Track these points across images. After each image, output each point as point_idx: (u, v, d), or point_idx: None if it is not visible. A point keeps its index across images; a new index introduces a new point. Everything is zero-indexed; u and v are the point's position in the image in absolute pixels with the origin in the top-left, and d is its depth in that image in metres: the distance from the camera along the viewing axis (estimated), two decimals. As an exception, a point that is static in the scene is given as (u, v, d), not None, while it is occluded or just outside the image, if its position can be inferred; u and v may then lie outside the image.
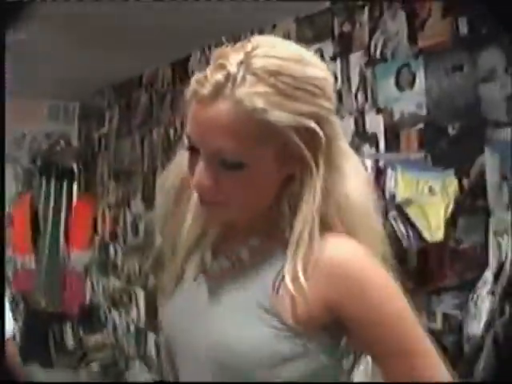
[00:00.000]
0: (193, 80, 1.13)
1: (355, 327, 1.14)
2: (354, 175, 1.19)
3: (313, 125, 1.10)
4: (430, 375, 1.14)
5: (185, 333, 1.26)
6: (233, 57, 1.09)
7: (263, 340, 1.12)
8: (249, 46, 1.10)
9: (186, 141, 1.15)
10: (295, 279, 1.11)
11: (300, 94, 1.09)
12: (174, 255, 1.34)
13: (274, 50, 1.10)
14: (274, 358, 1.12)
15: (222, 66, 1.08)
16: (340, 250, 1.13)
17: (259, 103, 1.06)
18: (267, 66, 1.07)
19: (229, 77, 1.07)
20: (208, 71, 1.11)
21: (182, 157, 1.25)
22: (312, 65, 1.13)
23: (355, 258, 1.13)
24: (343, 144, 1.19)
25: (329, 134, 1.14)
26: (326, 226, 1.14)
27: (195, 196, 1.22)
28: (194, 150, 1.15)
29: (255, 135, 1.08)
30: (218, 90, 1.07)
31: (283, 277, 1.13)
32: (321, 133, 1.12)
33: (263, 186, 1.15)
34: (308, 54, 1.15)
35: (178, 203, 1.32)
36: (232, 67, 1.07)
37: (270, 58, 1.08)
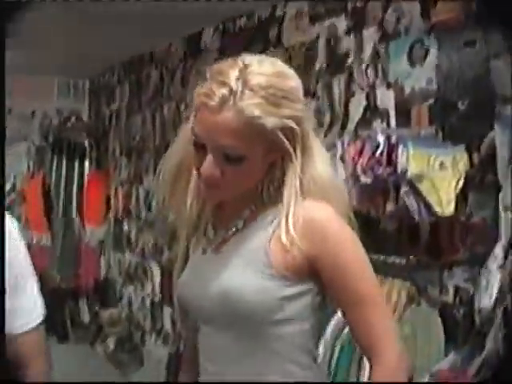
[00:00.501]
0: (199, 93, 1.45)
1: (326, 276, 1.48)
2: (321, 157, 1.56)
3: (293, 125, 1.47)
4: (377, 321, 1.45)
5: (197, 292, 1.57)
6: (231, 73, 1.43)
7: (263, 286, 1.47)
8: (240, 63, 1.44)
9: (193, 138, 1.48)
10: (288, 233, 1.46)
11: (284, 101, 1.45)
12: (179, 230, 1.70)
13: (262, 68, 1.45)
14: (273, 300, 1.47)
15: (224, 83, 1.41)
16: (318, 212, 1.48)
17: (256, 112, 1.41)
18: (260, 82, 1.42)
19: (231, 91, 1.41)
20: (212, 85, 1.43)
21: (179, 143, 1.61)
22: (289, 77, 1.49)
23: (329, 219, 1.48)
24: (311, 134, 1.55)
25: (302, 129, 1.50)
26: (305, 195, 1.51)
27: (194, 179, 1.58)
28: (200, 147, 1.47)
29: (252, 136, 1.44)
30: (224, 102, 1.41)
31: (277, 234, 1.48)
32: (298, 129, 1.48)
33: (255, 173, 1.52)
34: (286, 68, 1.51)
35: (176, 184, 1.63)
36: (233, 83, 1.41)
37: (261, 76, 1.43)
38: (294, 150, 1.50)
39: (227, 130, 1.42)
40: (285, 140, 1.47)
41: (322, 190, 1.52)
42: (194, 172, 1.56)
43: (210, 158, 1.45)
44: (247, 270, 1.49)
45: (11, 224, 1.91)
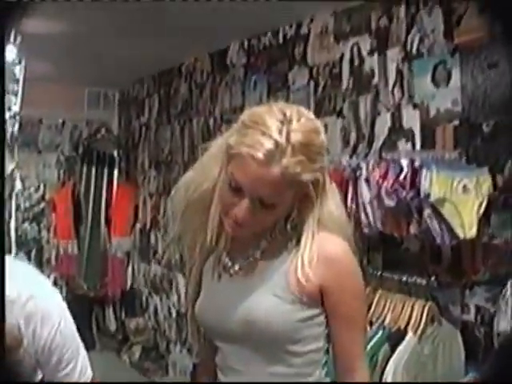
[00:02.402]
0: (241, 142, 1.55)
1: (329, 302, 1.65)
2: (334, 198, 1.71)
3: (321, 177, 1.63)
4: (359, 343, 1.69)
5: (220, 317, 1.70)
6: (271, 124, 1.55)
7: (285, 310, 1.63)
8: (278, 113, 1.57)
9: (232, 183, 1.58)
10: (303, 269, 1.62)
11: (318, 157, 1.60)
12: (193, 252, 1.81)
13: (301, 123, 1.57)
14: (293, 322, 1.63)
15: (267, 135, 1.53)
16: (331, 247, 1.65)
17: (298, 169, 1.55)
18: (301, 140, 1.55)
19: (277, 146, 1.52)
20: (255, 136, 1.54)
21: (202, 174, 1.70)
22: (321, 132, 1.63)
23: (341, 254, 1.65)
24: (327, 179, 1.68)
25: (324, 177, 1.66)
26: (319, 229, 1.67)
27: (214, 210, 1.68)
28: (236, 189, 1.58)
29: (288, 187, 1.58)
30: (270, 157, 1.52)
31: (294, 265, 1.64)
32: (321, 179, 1.64)
33: (281, 214, 1.67)
34: (318, 123, 1.64)
35: (195, 215, 1.74)
36: (276, 136, 1.53)
37: (301, 133, 1.56)
38: (316, 195, 1.65)
39: (271, 184, 1.54)
40: (311, 188, 1.62)
41: (333, 225, 1.69)
42: (215, 203, 1.68)
43: (246, 202, 1.58)
44: (269, 296, 1.64)
45: (59, 298, 1.86)
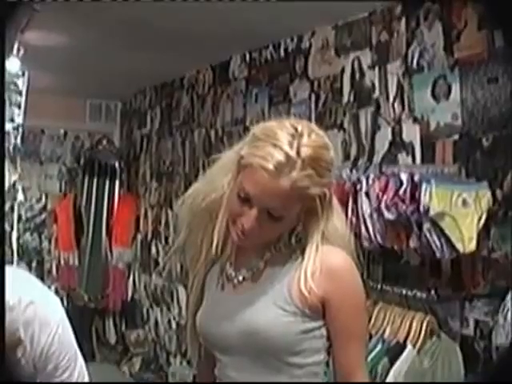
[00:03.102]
0: (252, 153, 1.59)
1: (331, 314, 1.66)
2: (338, 212, 1.75)
3: (328, 191, 1.67)
4: (360, 355, 1.70)
5: (222, 328, 1.72)
6: (282, 137, 1.59)
7: (287, 321, 1.64)
8: (290, 127, 1.62)
9: (241, 193, 1.62)
10: (306, 282, 1.64)
11: (326, 172, 1.64)
12: (197, 262, 1.82)
13: (313, 140, 1.62)
14: (295, 334, 1.64)
15: (279, 147, 1.57)
16: (335, 260, 1.67)
17: (306, 182, 1.59)
18: (311, 155, 1.59)
19: (288, 159, 1.56)
20: (266, 148, 1.58)
21: (214, 180, 1.73)
22: (330, 148, 1.67)
23: (344, 267, 1.68)
24: (332, 194, 1.72)
25: (331, 192, 1.70)
26: (323, 242, 1.69)
27: (221, 220, 1.71)
28: (245, 200, 1.62)
29: (296, 200, 1.62)
30: (281, 169, 1.56)
31: (297, 278, 1.66)
32: (328, 194, 1.68)
33: (288, 227, 1.70)
34: (327, 139, 1.68)
35: (201, 225, 1.77)
36: (287, 149, 1.57)
37: (312, 148, 1.60)
38: (322, 209, 1.68)
39: (279, 196, 1.58)
40: (318, 201, 1.66)
41: (337, 239, 1.72)
42: (222, 213, 1.71)
43: (254, 213, 1.61)
44: (271, 307, 1.66)
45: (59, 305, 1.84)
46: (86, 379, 1.86)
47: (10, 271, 1.73)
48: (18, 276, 1.80)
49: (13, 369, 1.71)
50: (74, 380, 1.81)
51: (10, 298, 1.66)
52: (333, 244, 1.70)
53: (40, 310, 1.74)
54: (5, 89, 3.58)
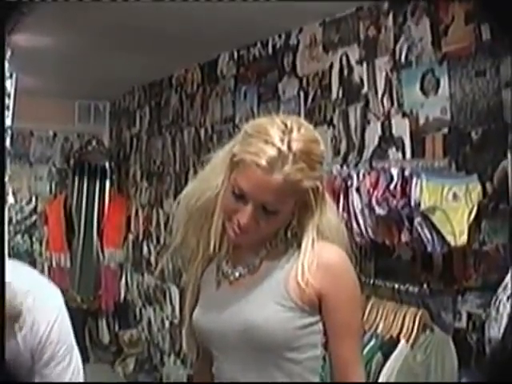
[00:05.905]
0: (245, 150, 1.63)
1: (327, 309, 1.68)
2: (331, 207, 1.80)
3: (320, 185, 1.70)
4: (356, 351, 1.73)
5: (219, 326, 1.73)
6: (273, 133, 1.63)
7: (285, 317, 1.66)
8: (280, 124, 1.65)
9: (235, 190, 1.65)
10: (303, 275, 1.66)
11: (317, 165, 1.67)
12: (194, 262, 1.84)
13: (303, 134, 1.65)
14: (293, 330, 1.66)
15: (270, 142, 1.61)
16: (330, 256, 1.70)
17: (299, 176, 1.62)
18: (302, 148, 1.63)
19: (280, 154, 1.60)
20: (259, 144, 1.62)
21: (205, 182, 1.75)
22: (321, 142, 1.71)
23: (339, 263, 1.71)
24: (324, 187, 1.75)
25: (323, 186, 1.73)
26: (318, 237, 1.72)
27: (217, 219, 1.73)
28: (239, 197, 1.64)
29: (290, 194, 1.65)
30: (273, 164, 1.59)
31: (294, 273, 1.68)
32: (321, 187, 1.71)
33: (282, 222, 1.72)
34: (317, 134, 1.72)
35: (197, 223, 1.78)
36: (279, 144, 1.61)
37: (303, 142, 1.64)
38: (315, 203, 1.71)
39: (273, 190, 1.61)
40: (311, 195, 1.69)
41: (331, 233, 1.75)
42: (217, 211, 1.73)
43: (249, 209, 1.64)
44: (269, 304, 1.68)
45: (58, 295, 1.88)
46: (81, 374, 1.87)
47: (8, 262, 1.75)
48: (16, 267, 1.83)
49: (12, 370, 1.72)
50: (69, 372, 1.83)
51: (10, 288, 1.68)
52: (328, 238, 1.73)
53: (40, 298, 1.78)
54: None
